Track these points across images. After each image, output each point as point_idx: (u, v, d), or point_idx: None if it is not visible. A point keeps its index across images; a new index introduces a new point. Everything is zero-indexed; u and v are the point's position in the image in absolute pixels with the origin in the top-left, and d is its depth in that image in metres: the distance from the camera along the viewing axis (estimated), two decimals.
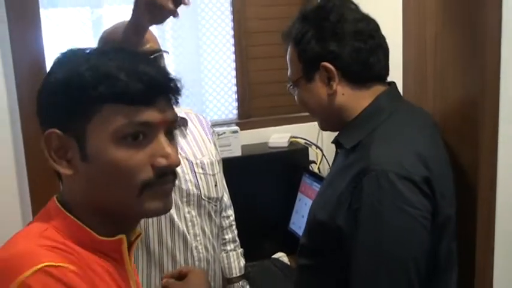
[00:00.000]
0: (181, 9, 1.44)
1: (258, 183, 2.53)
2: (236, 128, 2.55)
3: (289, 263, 2.47)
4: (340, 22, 1.35)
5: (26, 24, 2.05)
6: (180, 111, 1.84)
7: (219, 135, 2.48)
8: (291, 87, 1.47)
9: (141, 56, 0.95)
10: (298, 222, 2.51)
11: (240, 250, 2.05)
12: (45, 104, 0.92)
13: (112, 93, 0.86)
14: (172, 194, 1.67)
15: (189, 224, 1.75)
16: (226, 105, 2.80)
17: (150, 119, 0.89)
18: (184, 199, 1.74)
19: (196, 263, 1.75)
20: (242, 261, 2.04)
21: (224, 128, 2.53)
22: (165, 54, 1.73)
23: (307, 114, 2.75)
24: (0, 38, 2.10)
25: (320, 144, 2.78)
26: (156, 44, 1.71)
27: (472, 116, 1.54)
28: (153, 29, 1.72)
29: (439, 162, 1.33)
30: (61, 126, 0.89)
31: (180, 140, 1.80)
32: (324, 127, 1.53)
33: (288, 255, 2.52)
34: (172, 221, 1.71)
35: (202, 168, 1.81)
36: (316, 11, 1.40)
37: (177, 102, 0.95)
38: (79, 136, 0.88)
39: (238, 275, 2.02)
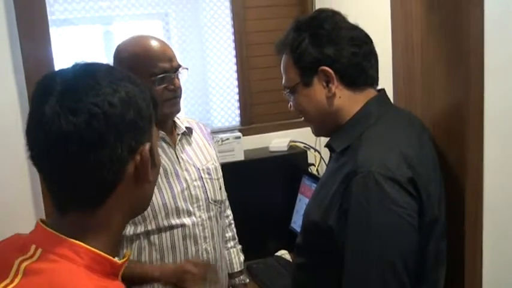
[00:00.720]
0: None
1: (260, 186, 2.57)
2: (239, 134, 2.59)
3: (291, 260, 2.51)
4: (335, 29, 1.38)
5: (37, 41, 2.10)
6: (184, 121, 1.88)
7: (222, 141, 2.53)
8: (288, 93, 1.47)
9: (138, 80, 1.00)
10: (299, 222, 2.54)
11: (239, 247, 2.09)
12: (123, 127, 0.89)
13: (155, 117, 0.98)
14: (181, 200, 1.73)
15: (200, 227, 1.78)
16: (230, 112, 2.84)
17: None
18: (195, 204, 1.78)
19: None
20: (242, 257, 2.08)
21: (228, 134, 2.57)
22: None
23: None
24: (13, 55, 2.16)
25: (318, 147, 2.80)
26: (177, 61, 1.76)
27: (458, 117, 1.55)
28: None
29: (425, 164, 1.33)
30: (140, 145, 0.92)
31: (187, 148, 1.84)
32: (318, 132, 1.53)
33: (290, 252, 2.57)
34: (184, 226, 1.74)
35: (208, 173, 1.84)
36: (310, 21, 1.42)
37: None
38: (151, 151, 0.95)
39: (239, 269, 2.06)
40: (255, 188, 2.55)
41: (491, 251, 1.55)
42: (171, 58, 1.72)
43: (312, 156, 2.78)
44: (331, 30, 1.38)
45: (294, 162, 2.69)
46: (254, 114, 2.88)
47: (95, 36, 2.59)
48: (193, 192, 1.78)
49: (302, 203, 2.56)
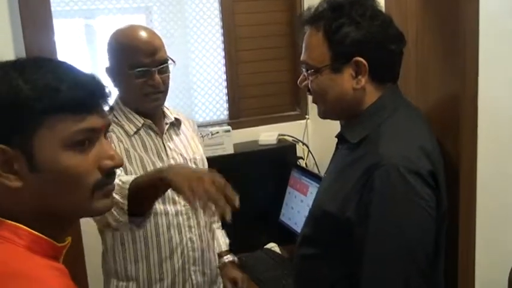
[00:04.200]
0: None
1: (250, 179, 2.50)
2: (228, 127, 2.54)
3: (280, 252, 2.48)
4: (375, 20, 1.31)
5: (39, 31, 2.00)
6: (174, 112, 1.84)
7: (212, 134, 2.47)
8: (310, 72, 1.35)
9: (72, 65, 0.92)
10: (288, 214, 2.52)
11: (224, 230, 2.06)
12: None
13: (56, 104, 0.84)
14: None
15: (185, 216, 1.72)
16: (218, 106, 2.77)
17: (95, 125, 0.89)
18: (196, 162, 1.76)
19: (191, 253, 1.73)
20: (227, 239, 2.05)
21: (217, 128, 2.51)
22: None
23: (293, 113, 2.86)
24: (15, 45, 2.09)
25: (306, 141, 2.78)
26: (165, 53, 1.70)
27: (453, 111, 1.53)
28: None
29: (438, 156, 1.33)
30: (4, 140, 0.84)
31: (175, 139, 1.79)
32: (327, 115, 1.44)
33: (279, 245, 2.53)
34: (168, 215, 1.69)
35: (195, 163, 1.80)
36: (351, 5, 1.32)
37: (110, 107, 0.97)
38: (25, 148, 0.84)
39: (226, 249, 2.02)
40: (244, 181, 2.43)
41: (485, 241, 1.55)
42: (154, 52, 1.65)
43: (300, 150, 2.75)
44: (371, 20, 1.30)
45: (283, 155, 2.65)
46: (242, 108, 2.82)
47: (76, 30, 2.50)
48: None
49: (291, 195, 2.53)
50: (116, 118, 1.71)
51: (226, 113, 2.80)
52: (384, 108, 1.33)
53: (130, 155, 1.68)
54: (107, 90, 0.92)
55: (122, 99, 1.74)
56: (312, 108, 2.81)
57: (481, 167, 1.52)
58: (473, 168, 1.52)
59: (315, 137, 2.81)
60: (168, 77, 1.72)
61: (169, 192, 1.65)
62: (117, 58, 1.68)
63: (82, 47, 2.49)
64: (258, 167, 2.55)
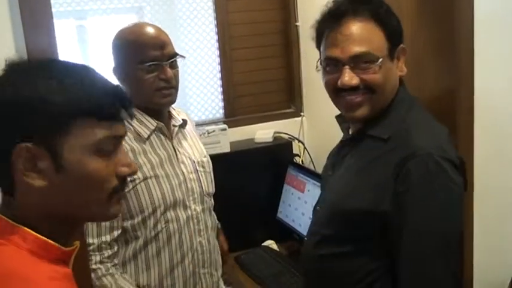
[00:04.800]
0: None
1: (247, 177, 2.51)
2: (225, 126, 2.53)
3: (278, 250, 2.49)
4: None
5: (40, 31, 1.97)
6: (179, 113, 1.80)
7: (208, 133, 2.47)
8: (376, 63, 1.27)
9: (96, 71, 0.93)
10: (285, 212, 2.52)
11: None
12: (9, 118, 0.84)
13: (87, 109, 0.86)
14: (179, 193, 1.63)
15: (195, 220, 1.69)
16: (213, 105, 2.77)
17: (120, 133, 0.91)
18: (191, 197, 1.69)
19: (200, 256, 1.71)
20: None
21: (213, 126, 2.51)
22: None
23: (289, 110, 2.85)
24: (16, 45, 2.06)
25: (302, 138, 2.79)
26: (173, 47, 1.65)
27: (448, 106, 1.54)
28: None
29: None
30: (30, 139, 0.84)
31: (183, 141, 1.75)
32: (371, 113, 1.33)
33: (276, 242, 2.53)
34: (179, 221, 1.65)
35: (203, 166, 1.76)
36: None
37: (132, 116, 0.97)
38: (52, 147, 0.85)
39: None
40: (241, 179, 2.50)
41: (482, 234, 1.57)
42: (163, 45, 1.61)
43: (296, 147, 2.75)
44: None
45: (279, 153, 2.65)
46: (238, 106, 2.81)
47: (68, 31, 2.49)
48: (189, 185, 1.69)
49: (288, 193, 2.53)
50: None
51: (221, 111, 2.79)
52: (404, 101, 1.33)
53: (141, 159, 1.61)
54: (129, 98, 0.93)
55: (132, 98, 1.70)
56: (307, 106, 2.82)
57: (478, 163, 1.53)
58: (470, 164, 1.52)
59: (311, 134, 2.81)
60: (178, 72, 1.67)
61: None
62: (124, 56, 1.63)
63: (74, 48, 2.48)
64: (255, 164, 2.55)
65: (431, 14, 1.57)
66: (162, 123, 1.67)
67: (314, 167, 2.68)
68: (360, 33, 1.27)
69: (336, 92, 1.31)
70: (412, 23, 1.62)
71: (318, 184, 2.27)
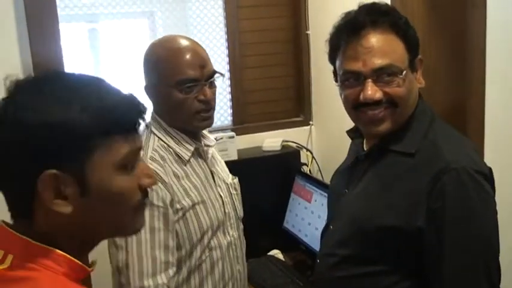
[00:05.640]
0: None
1: (254, 185, 2.44)
2: (232, 133, 2.51)
3: (283, 259, 2.45)
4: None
5: (45, 37, 1.95)
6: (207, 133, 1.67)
7: (216, 140, 2.44)
8: (399, 76, 1.23)
9: (109, 83, 0.89)
10: (292, 221, 2.48)
11: None
12: (34, 145, 0.80)
13: (110, 127, 0.82)
14: (220, 220, 1.52)
15: (234, 247, 1.59)
16: (222, 112, 2.75)
17: (140, 144, 0.90)
18: (228, 222, 1.57)
19: (240, 283, 1.61)
20: None
21: (221, 134, 2.48)
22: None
23: (297, 119, 2.83)
24: (21, 50, 2.06)
25: (310, 147, 2.76)
26: (212, 65, 1.52)
27: (459, 117, 1.52)
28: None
29: None
30: (55, 166, 0.80)
31: (215, 163, 1.64)
32: (393, 127, 1.28)
33: (282, 252, 2.50)
34: (222, 248, 1.53)
35: (235, 189, 1.67)
36: (393, 7, 1.31)
37: (150, 128, 0.94)
38: (78, 172, 0.81)
39: None
40: (248, 187, 2.40)
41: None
42: (203, 64, 1.47)
43: (304, 156, 2.72)
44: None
45: (286, 161, 2.62)
46: (246, 114, 2.80)
47: (80, 34, 2.49)
48: (226, 210, 1.58)
49: (295, 202, 2.50)
50: (163, 142, 1.50)
51: (230, 118, 2.78)
52: (425, 113, 1.29)
53: (186, 184, 1.48)
54: (144, 107, 0.90)
55: (166, 119, 1.52)
56: (316, 114, 2.79)
57: None
58: None
59: (319, 143, 2.78)
60: (215, 91, 1.53)
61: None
62: (160, 74, 1.48)
63: (85, 52, 2.47)
64: (262, 173, 2.52)
65: (441, 20, 1.54)
66: (200, 144, 1.56)
67: (322, 176, 2.65)
68: (382, 45, 1.22)
69: (356, 106, 1.26)
70: (423, 34, 1.60)
71: (325, 194, 2.23)
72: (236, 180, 1.69)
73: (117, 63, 2.50)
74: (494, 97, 1.46)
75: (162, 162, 1.45)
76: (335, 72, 1.32)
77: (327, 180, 2.46)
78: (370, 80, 1.21)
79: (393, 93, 1.22)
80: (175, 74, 1.44)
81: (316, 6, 2.65)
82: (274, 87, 2.79)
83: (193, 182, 1.50)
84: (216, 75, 1.51)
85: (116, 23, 2.51)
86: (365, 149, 1.37)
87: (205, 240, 1.48)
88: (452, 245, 1.17)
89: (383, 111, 1.23)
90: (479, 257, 1.17)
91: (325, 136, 2.73)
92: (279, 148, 2.62)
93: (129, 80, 2.41)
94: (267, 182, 2.54)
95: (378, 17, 1.23)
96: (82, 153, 0.81)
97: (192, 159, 1.52)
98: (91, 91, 0.84)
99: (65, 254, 0.82)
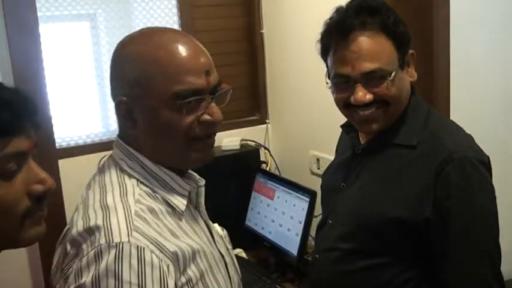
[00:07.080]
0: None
1: (214, 184, 2.39)
2: None
3: (247, 258, 2.45)
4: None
5: (25, 38, 1.87)
6: None
7: None
8: (388, 78, 1.23)
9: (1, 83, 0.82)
10: (254, 219, 2.48)
11: None
12: None
13: None
14: (227, 284, 1.10)
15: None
16: None
17: (22, 148, 0.79)
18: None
19: None
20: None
21: None
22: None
23: (254, 118, 2.82)
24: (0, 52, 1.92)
25: (267, 145, 2.78)
26: (216, 74, 1.11)
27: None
28: None
29: None
30: None
31: (203, 209, 1.23)
32: (386, 125, 1.30)
33: (245, 250, 2.49)
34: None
35: (229, 242, 1.36)
36: (383, 3, 1.28)
37: (39, 124, 0.80)
38: None
39: None
40: (209, 187, 2.37)
41: None
42: (208, 68, 1.05)
43: (263, 154, 2.73)
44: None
45: (246, 160, 2.62)
46: None
47: (82, 33, 2.42)
48: (230, 272, 1.17)
49: (257, 200, 2.51)
50: (145, 185, 1.04)
51: None
52: (420, 106, 1.32)
53: (186, 245, 1.01)
54: (33, 105, 0.81)
55: (146, 150, 1.05)
56: (272, 113, 2.80)
57: None
58: None
59: (276, 141, 2.80)
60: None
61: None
62: (145, 84, 1.00)
63: (87, 48, 2.40)
64: (222, 172, 2.50)
65: (407, 9, 1.54)
66: (194, 185, 1.12)
67: (279, 173, 2.67)
68: (370, 49, 1.21)
69: (348, 106, 1.28)
70: None
71: (288, 191, 2.25)
72: (225, 231, 1.34)
73: (60, 69, 2.36)
74: (457, 98, 1.50)
75: (154, 219, 0.99)
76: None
77: (285, 176, 2.48)
78: (359, 84, 1.23)
79: (383, 94, 1.24)
80: (171, 84, 0.99)
81: (270, 5, 2.67)
82: (230, 87, 2.77)
83: (196, 240, 1.06)
84: (223, 85, 1.10)
85: (57, 27, 2.39)
86: (361, 142, 1.38)
87: None
88: (458, 234, 1.20)
89: (374, 111, 1.26)
90: (485, 245, 1.21)
91: (281, 134, 2.75)
92: (238, 147, 2.62)
93: (75, 89, 2.31)
94: (227, 181, 2.52)
95: (366, 17, 1.23)
96: None
97: (185, 209, 1.08)
98: None
99: None
